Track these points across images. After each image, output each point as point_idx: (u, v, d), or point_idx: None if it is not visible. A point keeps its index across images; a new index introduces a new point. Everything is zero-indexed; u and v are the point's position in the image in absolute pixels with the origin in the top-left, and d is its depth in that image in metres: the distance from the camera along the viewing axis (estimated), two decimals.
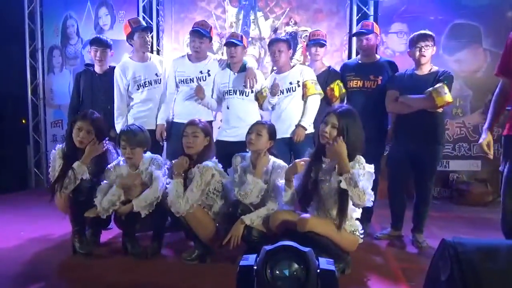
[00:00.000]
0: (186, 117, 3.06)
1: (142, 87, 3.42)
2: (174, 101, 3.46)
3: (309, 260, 1.37)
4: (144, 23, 3.58)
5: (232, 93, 3.29)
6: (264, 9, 4.88)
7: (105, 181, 2.69)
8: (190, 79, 3.36)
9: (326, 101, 3.29)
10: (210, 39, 3.41)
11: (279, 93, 3.23)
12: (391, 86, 3.04)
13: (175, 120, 3.41)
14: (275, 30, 4.84)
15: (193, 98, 3.35)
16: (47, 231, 3.27)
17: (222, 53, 4.93)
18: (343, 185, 2.16)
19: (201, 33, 3.31)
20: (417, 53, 2.91)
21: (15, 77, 3.91)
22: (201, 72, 3.36)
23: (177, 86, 3.41)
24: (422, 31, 2.97)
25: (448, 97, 2.78)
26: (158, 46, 5.13)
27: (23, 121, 5.40)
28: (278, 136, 2.92)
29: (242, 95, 3.29)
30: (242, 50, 3.32)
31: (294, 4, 4.80)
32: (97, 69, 3.59)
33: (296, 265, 1.38)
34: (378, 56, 3.37)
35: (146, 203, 2.55)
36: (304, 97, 3.24)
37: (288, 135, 3.22)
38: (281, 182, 2.51)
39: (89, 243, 2.74)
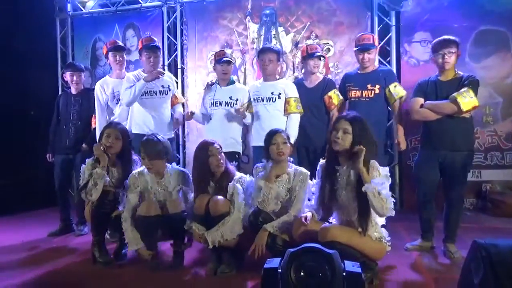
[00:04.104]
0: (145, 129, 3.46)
1: (120, 101, 3.69)
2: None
3: (335, 262, 1.34)
4: (121, 44, 3.92)
5: (217, 104, 3.52)
6: (285, 24, 4.94)
7: (129, 193, 2.73)
8: (154, 91, 3.61)
9: (325, 109, 3.42)
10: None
11: (259, 101, 3.47)
12: (416, 94, 3.01)
13: (135, 131, 3.54)
14: (296, 44, 4.87)
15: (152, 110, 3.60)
16: (73, 243, 3.41)
17: (245, 69, 5.03)
18: (369, 195, 2.13)
19: (158, 47, 3.64)
20: (440, 60, 2.87)
21: (47, 98, 4.11)
22: (162, 86, 3.65)
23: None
24: (445, 37, 2.93)
25: (474, 101, 2.72)
26: (183, 64, 5.26)
27: None
28: (261, 144, 3.09)
29: (227, 106, 3.50)
30: (231, 67, 3.63)
31: (315, 18, 4.84)
32: (72, 90, 3.97)
33: (321, 267, 1.36)
34: (376, 65, 3.44)
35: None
36: (286, 113, 3.44)
37: None
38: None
39: (108, 253, 2.80)
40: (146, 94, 3.56)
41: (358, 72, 3.41)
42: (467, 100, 2.72)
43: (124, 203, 2.76)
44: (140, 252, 2.64)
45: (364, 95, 3.30)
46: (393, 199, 2.22)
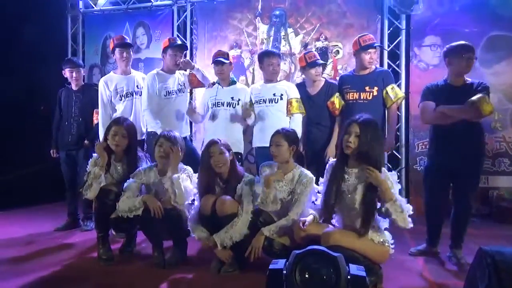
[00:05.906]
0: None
1: (124, 97, 3.71)
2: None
3: (339, 265, 1.34)
4: (128, 40, 3.90)
5: (219, 105, 3.51)
6: (294, 26, 4.95)
7: (132, 180, 2.77)
8: (173, 91, 3.63)
9: (329, 112, 3.42)
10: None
11: (261, 102, 3.49)
12: (427, 97, 2.97)
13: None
14: (305, 46, 4.88)
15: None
16: (78, 239, 3.45)
17: (254, 69, 5.04)
18: (391, 212, 2.16)
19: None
20: (464, 63, 2.82)
21: (56, 94, 4.16)
22: (179, 84, 3.68)
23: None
24: (465, 42, 2.90)
25: (492, 106, 2.71)
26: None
27: None
28: (263, 145, 3.13)
29: (229, 106, 3.50)
30: (229, 67, 3.57)
31: (324, 20, 4.84)
32: (73, 86, 3.98)
33: (326, 270, 1.36)
34: (373, 67, 3.39)
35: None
36: (288, 113, 3.45)
37: None
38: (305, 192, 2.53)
39: (110, 250, 2.82)
40: (167, 95, 3.60)
41: (355, 74, 3.39)
42: (486, 105, 2.70)
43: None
44: (145, 200, 2.63)
45: (362, 97, 3.28)
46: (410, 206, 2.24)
